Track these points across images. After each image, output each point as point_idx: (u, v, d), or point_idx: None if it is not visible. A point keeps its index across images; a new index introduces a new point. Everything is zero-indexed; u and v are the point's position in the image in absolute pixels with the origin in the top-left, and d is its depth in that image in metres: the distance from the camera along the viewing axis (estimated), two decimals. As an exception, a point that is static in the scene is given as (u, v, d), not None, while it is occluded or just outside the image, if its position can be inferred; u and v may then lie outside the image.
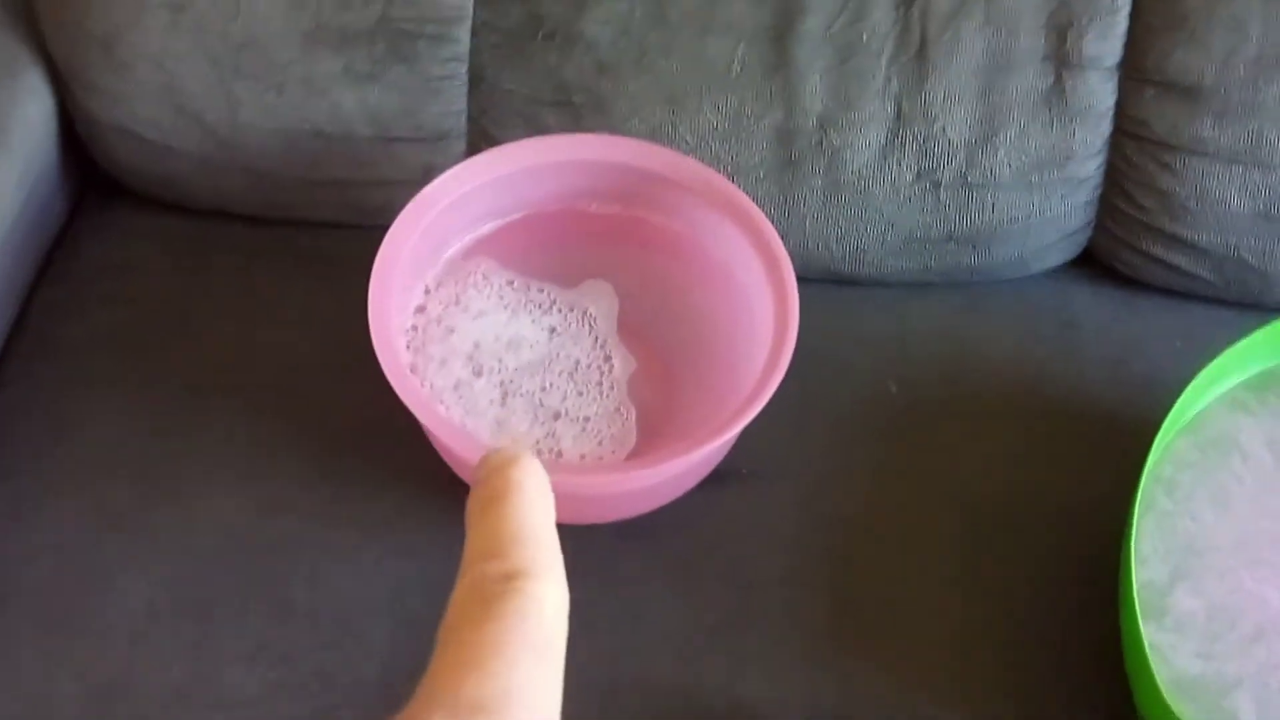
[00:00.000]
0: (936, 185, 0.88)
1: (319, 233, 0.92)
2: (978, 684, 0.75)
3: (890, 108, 0.86)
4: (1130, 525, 0.71)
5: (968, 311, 0.93)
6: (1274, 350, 0.81)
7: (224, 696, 0.73)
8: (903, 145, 0.87)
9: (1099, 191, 0.90)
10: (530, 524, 0.30)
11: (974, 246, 0.90)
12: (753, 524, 0.81)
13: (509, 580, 0.28)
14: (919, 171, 0.87)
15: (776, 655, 0.76)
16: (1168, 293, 0.93)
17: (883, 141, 0.87)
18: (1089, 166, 0.88)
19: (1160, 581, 0.73)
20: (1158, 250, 0.90)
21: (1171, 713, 0.65)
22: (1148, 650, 0.67)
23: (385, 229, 0.76)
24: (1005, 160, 0.87)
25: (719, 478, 0.81)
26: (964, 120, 0.86)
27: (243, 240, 0.91)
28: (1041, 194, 0.88)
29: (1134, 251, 0.91)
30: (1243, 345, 0.77)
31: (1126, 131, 0.88)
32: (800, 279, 0.76)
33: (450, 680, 0.27)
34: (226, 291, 0.89)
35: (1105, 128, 0.87)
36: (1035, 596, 0.79)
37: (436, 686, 0.27)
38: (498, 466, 0.31)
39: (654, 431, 0.78)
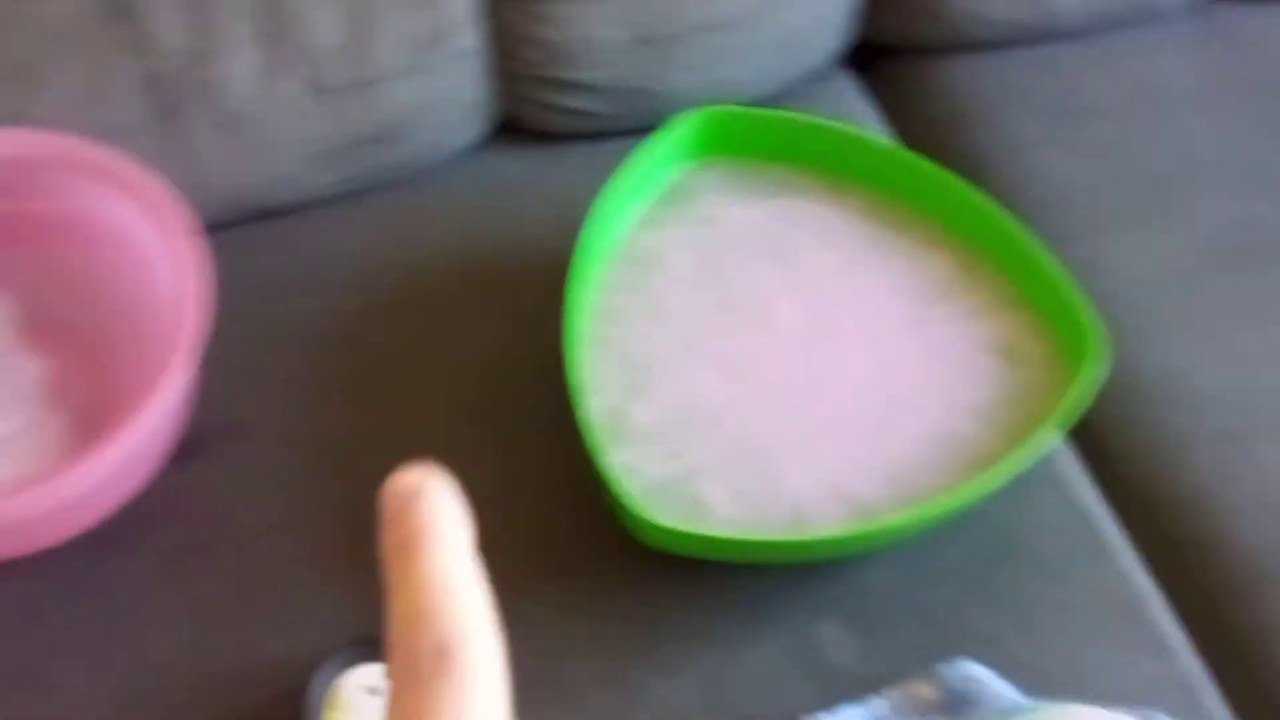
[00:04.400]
0: (328, 92, 0.87)
1: None
2: (495, 553, 0.77)
3: (256, 26, 0.84)
4: (569, 360, 0.74)
5: (406, 207, 0.93)
6: (664, 164, 0.86)
7: None
8: (282, 60, 0.85)
9: (490, 57, 0.92)
10: (449, 576, 0.28)
11: (386, 143, 0.90)
12: (243, 483, 0.79)
13: (440, 657, 0.27)
14: (305, 83, 0.86)
15: (296, 601, 0.75)
16: (582, 137, 0.96)
17: (260, 62, 0.85)
18: (471, 36, 0.89)
19: (618, 404, 0.76)
20: (559, 99, 0.93)
21: (644, 521, 0.69)
22: (608, 469, 0.70)
23: None
24: (387, 50, 0.87)
25: (194, 448, 0.79)
26: (333, 21, 0.85)
27: None
28: (434, 74, 0.89)
29: (538, 106, 0.94)
30: (632, 164, 0.81)
31: (495, -7, 0.89)
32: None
33: None
34: None
35: (475, -7, 0.89)
36: (529, 457, 0.81)
37: None
38: (403, 501, 0.29)
39: (97, 430, 0.74)
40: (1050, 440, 0.75)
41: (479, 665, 0.28)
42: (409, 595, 0.29)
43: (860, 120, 1.01)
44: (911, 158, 0.85)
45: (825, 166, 0.84)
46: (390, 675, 0.28)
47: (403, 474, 0.30)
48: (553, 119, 0.94)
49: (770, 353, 0.78)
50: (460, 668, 0.28)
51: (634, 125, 0.96)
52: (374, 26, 0.86)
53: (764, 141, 0.85)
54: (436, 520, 0.29)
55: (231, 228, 0.90)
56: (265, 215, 0.90)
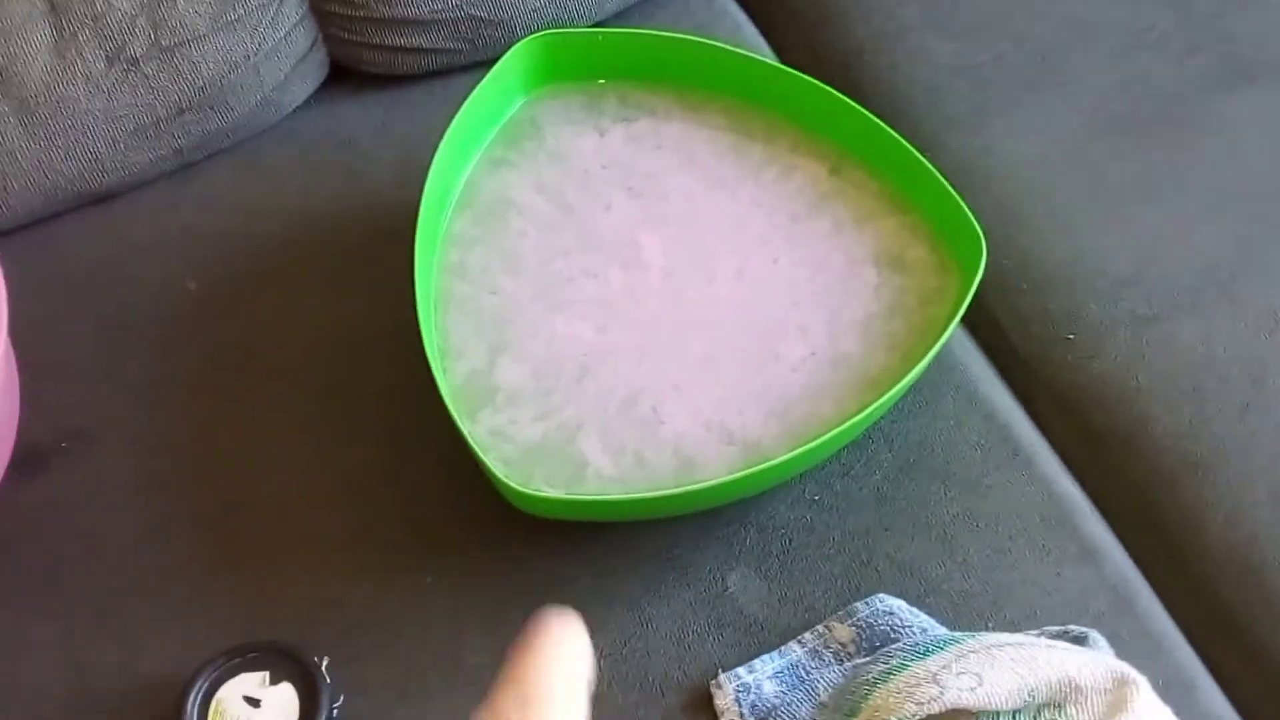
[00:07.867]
0: (134, 63, 0.79)
1: None
2: (382, 538, 0.72)
3: (39, 2, 0.76)
4: (423, 327, 0.68)
5: (243, 175, 0.86)
6: (506, 98, 0.79)
7: None
8: (75, 35, 0.77)
9: (307, 5, 0.84)
10: (550, 682, 0.33)
11: (212, 109, 0.83)
12: (94, 494, 0.74)
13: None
14: (108, 56, 0.78)
15: (167, 614, 0.70)
16: (426, 76, 0.89)
17: (51, 40, 0.77)
18: (281, -16, 0.82)
19: (481, 366, 0.70)
20: (393, 39, 0.86)
21: (520, 492, 0.64)
22: (474, 440, 0.64)
23: None
24: (190, 10, 0.79)
25: (35, 462, 0.73)
26: (124, -16, 0.78)
27: None
28: (248, 29, 0.81)
29: (373, 49, 0.87)
30: (471, 102, 0.75)
31: (297, -66, 0.82)
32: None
33: None
34: None
35: (275, -63, 0.81)
36: (401, 434, 0.75)
37: None
38: (546, 618, 0.34)
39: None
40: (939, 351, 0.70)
41: None
42: (513, 677, 0.33)
43: (726, 26, 0.94)
44: (769, 64, 0.78)
45: (679, 83, 0.78)
46: None
47: (552, 608, 0.35)
48: (389, 60, 0.87)
49: (637, 292, 0.72)
50: None
51: (479, 59, 0.89)
52: (178, -16, 0.78)
53: (611, 63, 0.78)
54: (561, 638, 0.34)
55: (57, 218, 0.83)
56: (93, 200, 0.83)
